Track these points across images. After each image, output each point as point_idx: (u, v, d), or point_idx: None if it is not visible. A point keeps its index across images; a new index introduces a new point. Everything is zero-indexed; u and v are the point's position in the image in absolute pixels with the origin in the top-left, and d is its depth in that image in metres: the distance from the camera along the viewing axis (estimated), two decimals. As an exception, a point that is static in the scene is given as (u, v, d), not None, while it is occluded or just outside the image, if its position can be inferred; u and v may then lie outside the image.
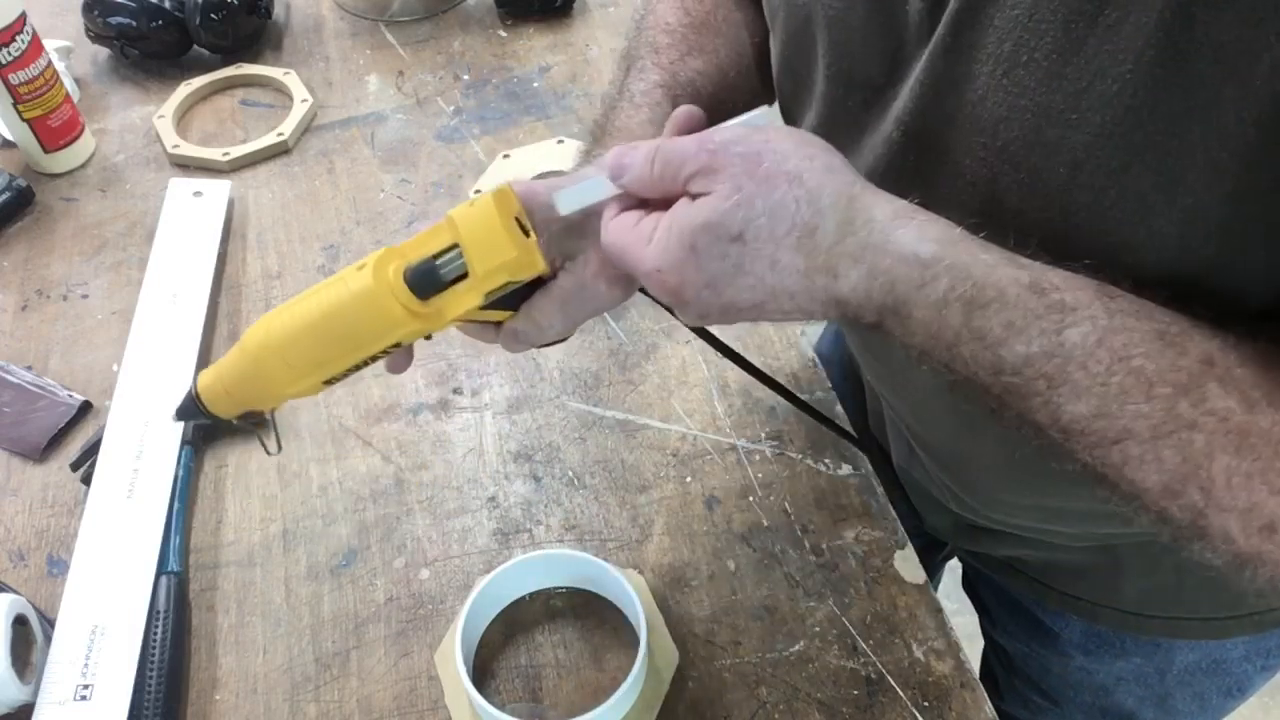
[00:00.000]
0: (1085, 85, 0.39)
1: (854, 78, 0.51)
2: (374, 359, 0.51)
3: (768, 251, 0.42)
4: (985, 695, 0.64)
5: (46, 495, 0.76)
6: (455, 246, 0.48)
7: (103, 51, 1.13)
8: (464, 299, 0.49)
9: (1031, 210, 0.43)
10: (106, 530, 0.71)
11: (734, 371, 0.81)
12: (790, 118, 0.59)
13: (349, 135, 1.04)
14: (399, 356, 0.53)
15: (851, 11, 0.50)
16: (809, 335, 0.86)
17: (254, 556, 0.73)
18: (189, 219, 0.94)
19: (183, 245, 0.91)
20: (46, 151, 0.99)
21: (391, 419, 0.80)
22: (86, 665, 0.65)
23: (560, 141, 1.00)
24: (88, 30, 1.10)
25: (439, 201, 0.96)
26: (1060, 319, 0.39)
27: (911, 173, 0.48)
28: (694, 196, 0.44)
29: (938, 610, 0.68)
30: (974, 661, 0.68)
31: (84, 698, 0.63)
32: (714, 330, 0.67)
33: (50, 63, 0.97)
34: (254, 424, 0.57)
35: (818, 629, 0.67)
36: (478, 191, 0.95)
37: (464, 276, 0.48)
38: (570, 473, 0.76)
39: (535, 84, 1.08)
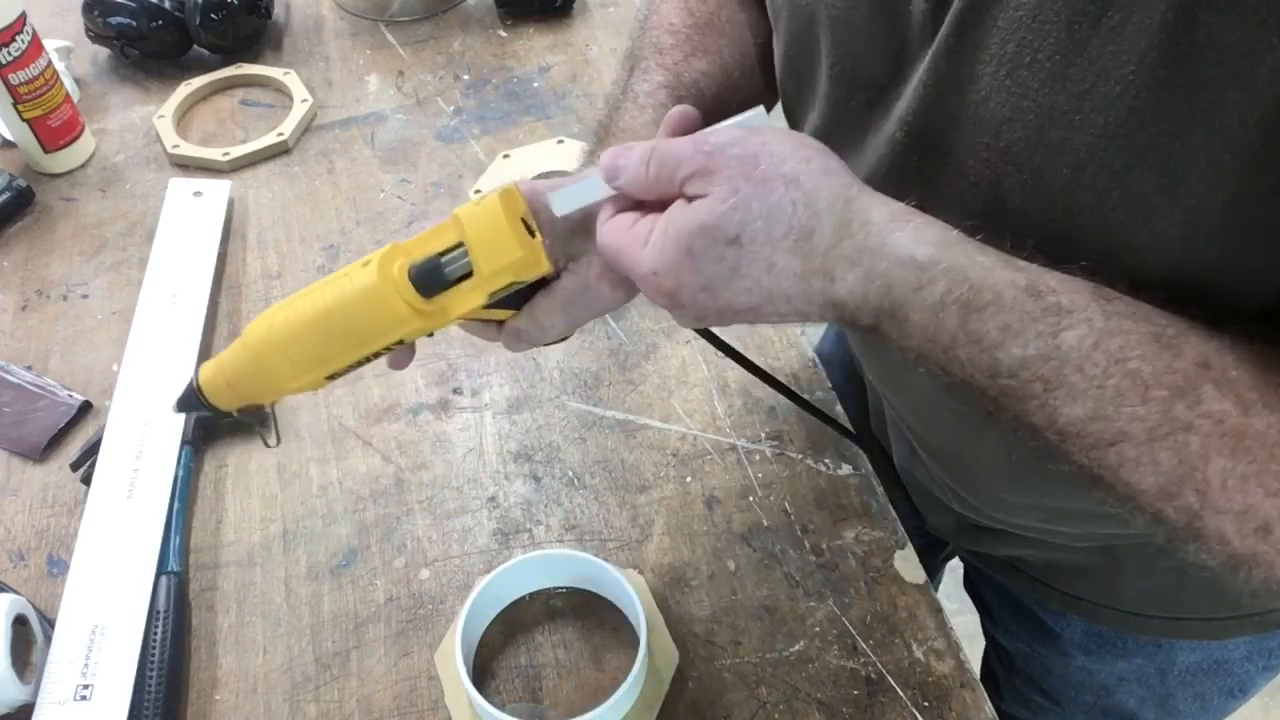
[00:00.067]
0: (1088, 86, 0.39)
1: (857, 78, 0.51)
2: (376, 355, 0.51)
3: (764, 254, 0.42)
4: (985, 695, 0.64)
5: (46, 495, 0.76)
6: (461, 245, 0.48)
7: (103, 51, 1.13)
8: (468, 298, 0.49)
9: (1034, 211, 0.43)
10: (106, 530, 0.71)
11: (734, 371, 0.81)
12: (793, 118, 0.59)
13: (349, 135, 1.04)
14: (401, 353, 0.53)
15: (855, 11, 0.50)
16: (809, 335, 0.86)
17: (254, 556, 0.73)
18: (189, 219, 0.93)
19: (183, 245, 0.91)
20: (46, 151, 0.99)
21: (391, 419, 0.80)
22: (86, 665, 0.65)
23: (560, 141, 1.00)
24: (88, 30, 1.10)
25: (439, 202, 0.96)
26: (1057, 322, 0.39)
27: (914, 173, 0.48)
28: (690, 198, 0.43)
29: (938, 610, 0.68)
30: (974, 661, 0.68)
31: (84, 698, 0.63)
32: (714, 329, 0.67)
33: (50, 63, 0.97)
34: (254, 417, 0.57)
35: (818, 629, 0.67)
36: (478, 191, 0.95)
37: (469, 275, 0.48)
38: (570, 473, 0.76)
39: (535, 84, 1.08)
